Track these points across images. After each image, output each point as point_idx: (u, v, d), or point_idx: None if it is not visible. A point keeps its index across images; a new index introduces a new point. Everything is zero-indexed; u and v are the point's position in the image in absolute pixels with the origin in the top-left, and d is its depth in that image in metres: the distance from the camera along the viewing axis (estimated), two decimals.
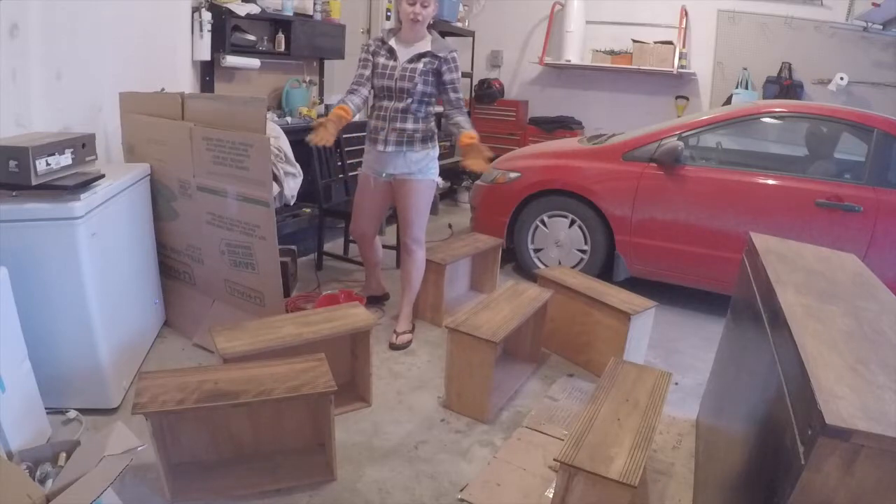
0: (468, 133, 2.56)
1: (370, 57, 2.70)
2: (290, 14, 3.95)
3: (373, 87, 2.72)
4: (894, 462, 0.93)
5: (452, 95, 2.65)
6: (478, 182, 4.00)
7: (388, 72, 2.62)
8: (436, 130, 2.76)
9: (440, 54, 2.60)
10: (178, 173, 2.64)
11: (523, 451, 2.07)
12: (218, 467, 1.90)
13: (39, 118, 2.46)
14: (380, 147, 2.67)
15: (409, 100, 2.60)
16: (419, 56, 2.60)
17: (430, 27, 2.70)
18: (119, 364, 2.23)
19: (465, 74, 5.78)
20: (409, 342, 2.84)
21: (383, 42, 2.68)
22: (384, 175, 2.73)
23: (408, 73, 2.58)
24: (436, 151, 2.75)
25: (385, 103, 2.65)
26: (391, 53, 2.64)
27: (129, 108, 2.78)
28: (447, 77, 2.62)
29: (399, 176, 2.70)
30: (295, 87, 4.16)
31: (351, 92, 2.70)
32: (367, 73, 2.69)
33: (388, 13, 5.05)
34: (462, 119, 2.64)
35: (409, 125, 2.63)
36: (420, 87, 2.59)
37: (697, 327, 3.19)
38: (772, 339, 1.39)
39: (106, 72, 2.86)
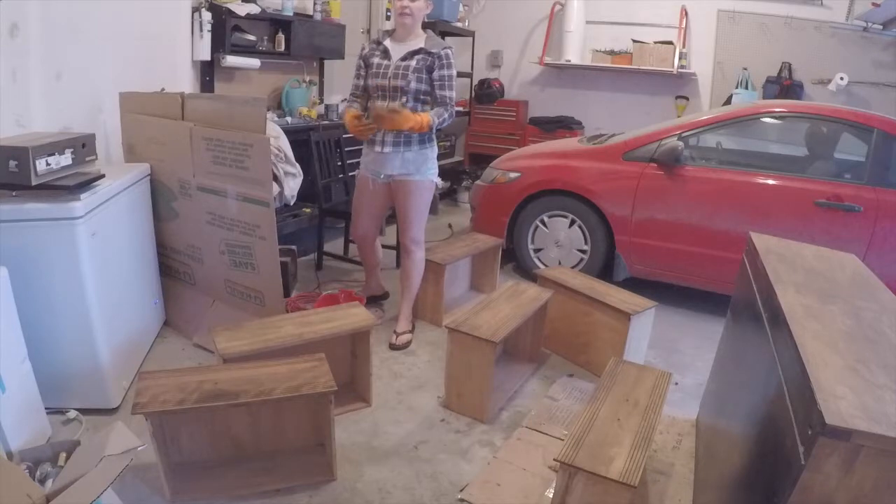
0: (415, 114, 2.52)
1: (362, 63, 2.73)
2: (290, 14, 3.95)
3: (367, 89, 2.71)
4: (894, 462, 0.93)
5: (438, 93, 2.61)
6: (478, 182, 4.00)
7: (381, 71, 2.62)
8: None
9: (433, 51, 2.57)
10: (178, 173, 2.64)
11: (523, 451, 2.07)
12: (218, 467, 1.90)
13: (39, 118, 2.46)
14: (377, 148, 2.67)
15: (404, 98, 2.58)
16: (412, 53, 2.59)
17: (427, 27, 2.70)
18: (119, 364, 2.23)
19: (465, 74, 5.79)
20: (409, 342, 2.84)
21: (378, 43, 2.69)
22: (382, 176, 2.73)
23: (401, 71, 2.57)
24: (434, 152, 2.74)
25: (380, 103, 2.64)
26: (385, 53, 2.64)
27: (129, 108, 2.78)
28: (436, 73, 2.58)
29: (397, 176, 2.70)
30: (295, 87, 4.17)
31: (350, 103, 2.77)
32: (361, 83, 2.73)
33: (388, 13, 5.05)
34: (438, 111, 2.58)
35: None
36: (413, 85, 2.57)
37: (697, 327, 3.19)
38: (772, 339, 1.39)
39: (106, 72, 2.86)
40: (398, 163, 2.67)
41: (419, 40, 2.62)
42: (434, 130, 2.65)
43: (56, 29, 2.52)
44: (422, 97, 2.62)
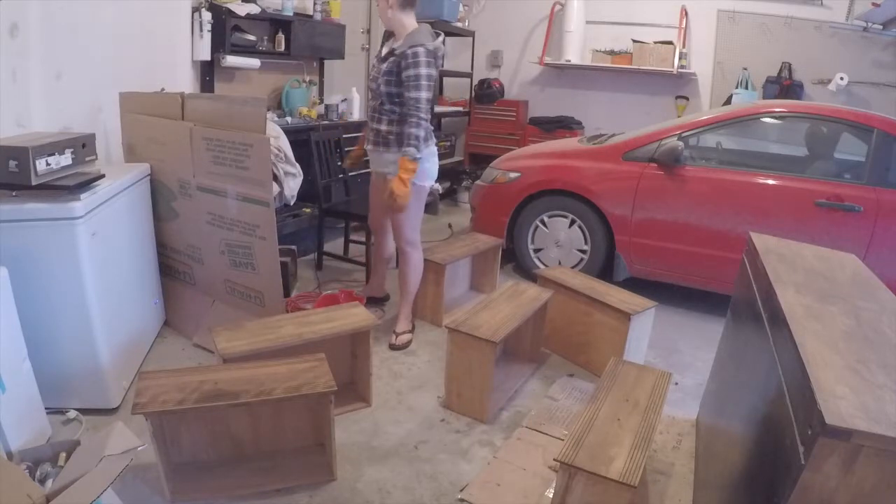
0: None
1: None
2: (290, 14, 3.95)
3: None
4: (894, 462, 0.93)
5: (405, 94, 2.49)
6: (478, 182, 4.00)
7: (372, 73, 2.69)
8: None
9: (399, 51, 2.49)
10: (178, 173, 2.64)
11: (523, 451, 2.07)
12: (218, 467, 1.90)
13: (39, 118, 2.46)
14: (365, 145, 2.81)
15: (379, 101, 2.58)
16: (389, 55, 2.56)
17: (423, 23, 2.67)
18: (119, 364, 2.23)
19: (465, 74, 5.79)
20: (409, 342, 2.84)
21: (383, 44, 2.76)
22: (374, 173, 2.85)
23: (376, 74, 2.59)
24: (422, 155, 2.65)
25: (370, 103, 2.74)
26: (380, 55, 2.70)
27: (129, 108, 2.78)
28: (403, 74, 2.47)
29: (388, 175, 2.68)
30: (295, 87, 4.17)
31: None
32: None
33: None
34: (407, 134, 2.48)
35: (383, 126, 2.61)
36: (384, 89, 2.53)
37: (697, 327, 3.19)
38: (772, 339, 1.39)
39: (106, 72, 2.86)
40: (380, 161, 2.72)
41: (401, 40, 2.55)
42: (419, 144, 2.52)
43: (56, 29, 2.52)
44: (396, 100, 2.55)
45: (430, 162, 2.71)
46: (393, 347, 2.78)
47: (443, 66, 2.63)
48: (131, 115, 2.77)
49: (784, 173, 3.16)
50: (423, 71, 2.45)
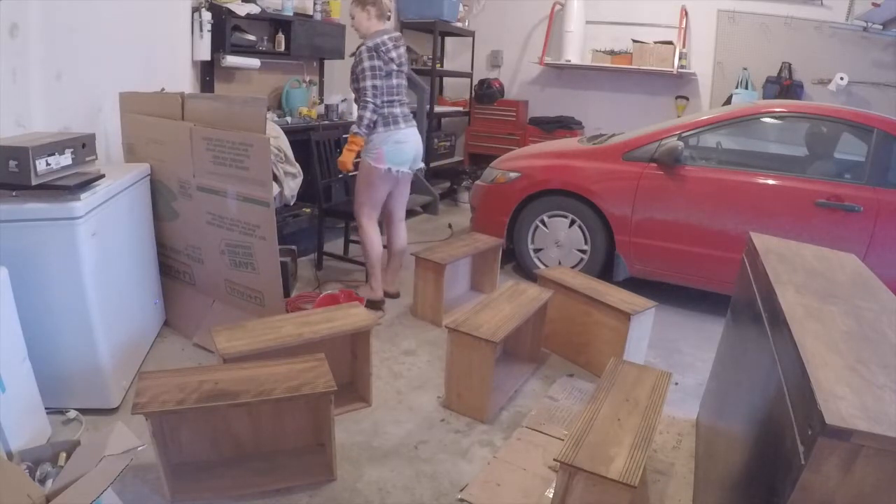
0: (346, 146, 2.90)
1: None
2: (290, 14, 3.96)
3: None
4: (894, 462, 0.93)
5: (355, 85, 2.89)
6: (478, 182, 4.01)
7: None
8: (377, 120, 2.90)
9: (353, 53, 2.89)
10: (178, 173, 2.64)
11: (523, 451, 2.07)
12: (218, 467, 1.90)
13: (39, 118, 2.46)
14: None
15: (355, 95, 2.98)
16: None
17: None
18: (119, 364, 2.23)
19: (465, 74, 5.80)
20: (378, 305, 3.07)
21: None
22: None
23: None
24: (376, 139, 2.90)
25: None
26: None
27: (129, 108, 2.78)
28: (354, 70, 2.87)
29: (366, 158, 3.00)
30: (295, 87, 4.17)
31: None
32: None
33: (388, 14, 5.06)
34: (356, 118, 2.88)
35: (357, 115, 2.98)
36: (351, 85, 2.96)
37: (697, 327, 3.19)
38: (772, 339, 1.39)
39: (106, 72, 2.86)
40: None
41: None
42: (368, 126, 2.85)
43: (56, 29, 2.52)
44: (359, 93, 2.89)
45: (387, 146, 2.92)
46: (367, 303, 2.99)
47: (394, 57, 2.93)
48: (131, 115, 2.77)
49: (784, 173, 3.16)
50: (367, 64, 2.82)
